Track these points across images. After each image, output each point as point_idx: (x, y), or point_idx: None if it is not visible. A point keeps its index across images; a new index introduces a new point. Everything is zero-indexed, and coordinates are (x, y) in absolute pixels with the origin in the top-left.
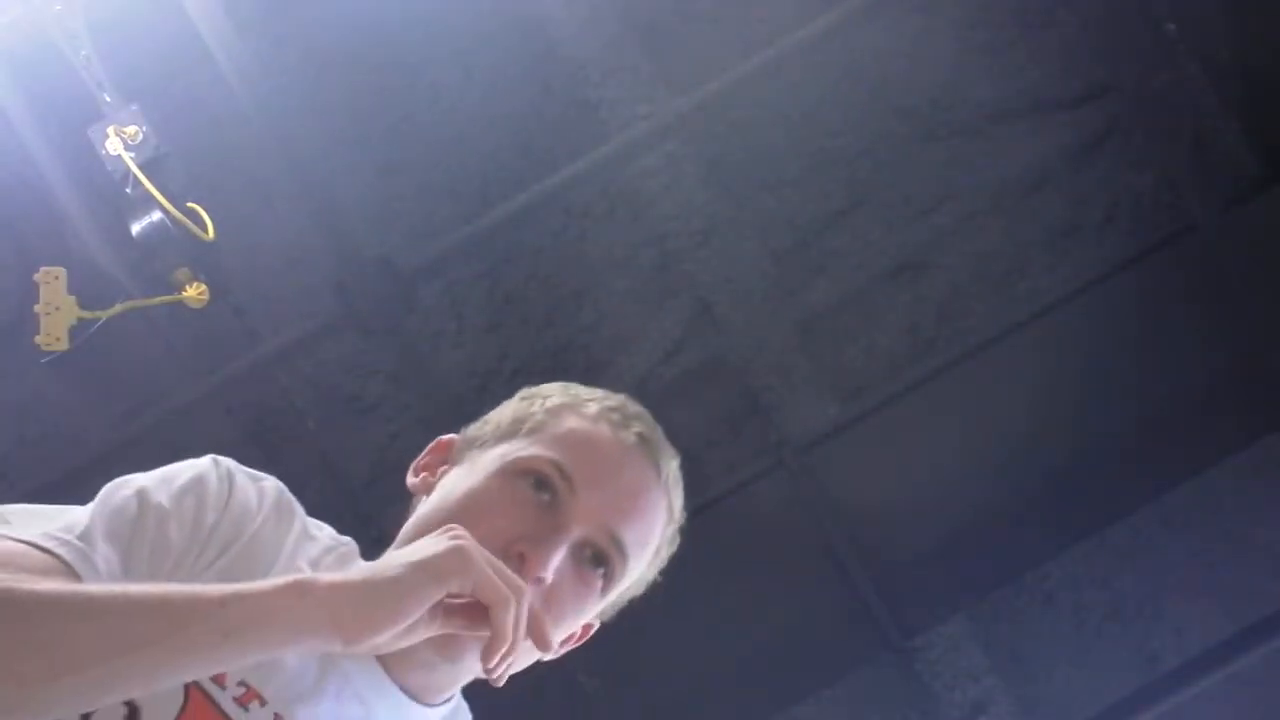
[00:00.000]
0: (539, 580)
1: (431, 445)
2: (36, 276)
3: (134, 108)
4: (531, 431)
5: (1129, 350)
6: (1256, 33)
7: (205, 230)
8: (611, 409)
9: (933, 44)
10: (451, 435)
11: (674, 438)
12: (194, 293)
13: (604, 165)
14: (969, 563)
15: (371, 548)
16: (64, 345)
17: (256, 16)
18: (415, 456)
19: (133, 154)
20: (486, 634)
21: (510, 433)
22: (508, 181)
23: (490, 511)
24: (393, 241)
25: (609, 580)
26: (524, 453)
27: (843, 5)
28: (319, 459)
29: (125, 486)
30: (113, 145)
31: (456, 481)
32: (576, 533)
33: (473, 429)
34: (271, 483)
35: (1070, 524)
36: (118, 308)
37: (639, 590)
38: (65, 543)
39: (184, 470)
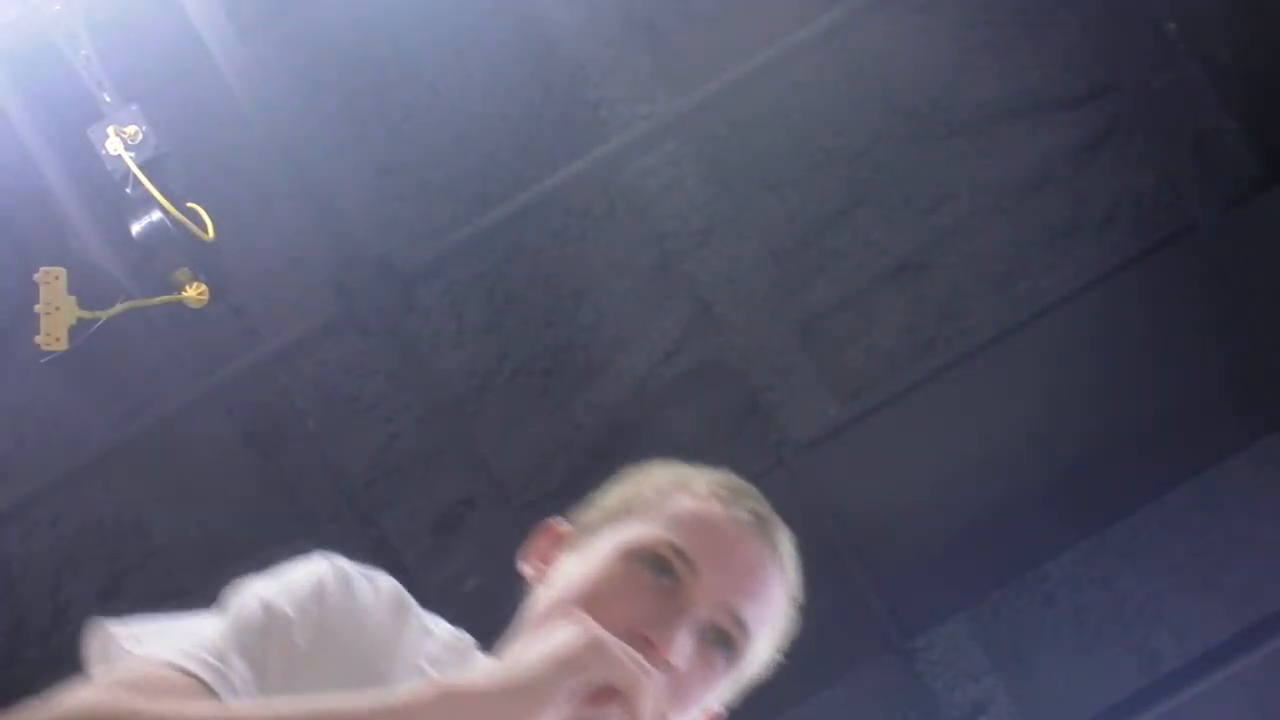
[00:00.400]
0: (667, 664)
1: (539, 532)
2: (36, 276)
3: (134, 108)
4: (642, 512)
5: (1129, 350)
6: (1256, 33)
7: (205, 230)
8: (720, 484)
9: (933, 44)
10: (559, 521)
11: (674, 438)
12: (194, 293)
13: (604, 165)
14: (969, 563)
15: (371, 547)
16: (64, 345)
17: (257, 16)
18: (415, 456)
19: (133, 154)
20: (616, 716)
21: (620, 515)
22: (508, 181)
23: (612, 597)
24: (393, 242)
25: (733, 661)
26: (639, 535)
27: (843, 5)
28: (319, 459)
29: (250, 597)
30: (113, 145)
31: (573, 568)
32: (699, 614)
33: (581, 515)
34: (386, 580)
35: (1070, 524)
36: (118, 308)
37: (762, 672)
38: (204, 663)
39: (303, 576)
